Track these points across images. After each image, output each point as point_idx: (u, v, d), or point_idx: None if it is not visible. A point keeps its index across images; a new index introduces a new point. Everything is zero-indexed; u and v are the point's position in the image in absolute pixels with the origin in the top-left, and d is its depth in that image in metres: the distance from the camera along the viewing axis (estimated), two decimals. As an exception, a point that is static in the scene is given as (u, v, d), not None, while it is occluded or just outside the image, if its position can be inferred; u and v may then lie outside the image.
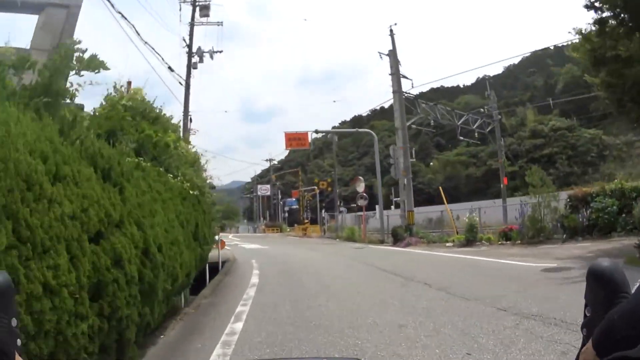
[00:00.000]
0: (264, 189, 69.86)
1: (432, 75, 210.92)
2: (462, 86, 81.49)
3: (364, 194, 27.11)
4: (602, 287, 0.83)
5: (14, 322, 0.83)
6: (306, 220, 37.57)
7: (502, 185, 32.79)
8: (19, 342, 0.86)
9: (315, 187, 50.81)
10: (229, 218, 70.94)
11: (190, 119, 23.26)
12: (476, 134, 29.58)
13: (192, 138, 17.66)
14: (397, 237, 20.61)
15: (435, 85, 59.33)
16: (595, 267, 0.86)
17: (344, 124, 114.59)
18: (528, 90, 58.68)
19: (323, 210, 33.20)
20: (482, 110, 31.35)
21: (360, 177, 28.93)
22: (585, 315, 0.88)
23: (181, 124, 21.95)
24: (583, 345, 0.85)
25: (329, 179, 35.43)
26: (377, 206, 27.56)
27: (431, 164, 60.19)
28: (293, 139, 26.76)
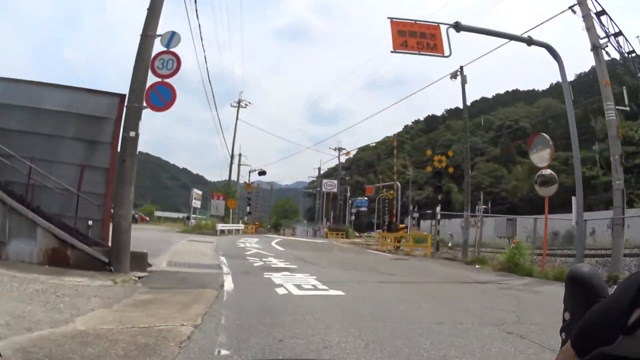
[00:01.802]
0: (330, 185, 59.07)
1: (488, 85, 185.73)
2: (539, 90, 79.75)
3: (550, 172, 11.84)
4: (581, 291, 0.78)
5: None
6: (402, 225, 22.24)
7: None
8: None
9: (395, 183, 35.50)
10: (286, 217, 60.12)
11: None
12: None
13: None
14: None
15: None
16: (575, 272, 0.81)
17: (417, 122, 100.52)
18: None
19: (438, 208, 17.69)
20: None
21: (545, 135, 13.11)
22: (564, 320, 0.82)
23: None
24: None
25: (450, 152, 19.84)
26: (573, 199, 12.39)
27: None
28: (410, 33, 11.57)
